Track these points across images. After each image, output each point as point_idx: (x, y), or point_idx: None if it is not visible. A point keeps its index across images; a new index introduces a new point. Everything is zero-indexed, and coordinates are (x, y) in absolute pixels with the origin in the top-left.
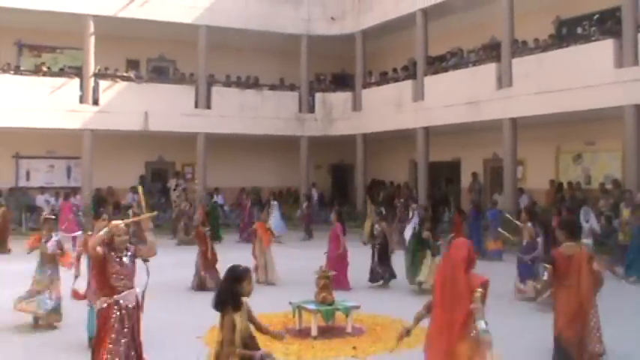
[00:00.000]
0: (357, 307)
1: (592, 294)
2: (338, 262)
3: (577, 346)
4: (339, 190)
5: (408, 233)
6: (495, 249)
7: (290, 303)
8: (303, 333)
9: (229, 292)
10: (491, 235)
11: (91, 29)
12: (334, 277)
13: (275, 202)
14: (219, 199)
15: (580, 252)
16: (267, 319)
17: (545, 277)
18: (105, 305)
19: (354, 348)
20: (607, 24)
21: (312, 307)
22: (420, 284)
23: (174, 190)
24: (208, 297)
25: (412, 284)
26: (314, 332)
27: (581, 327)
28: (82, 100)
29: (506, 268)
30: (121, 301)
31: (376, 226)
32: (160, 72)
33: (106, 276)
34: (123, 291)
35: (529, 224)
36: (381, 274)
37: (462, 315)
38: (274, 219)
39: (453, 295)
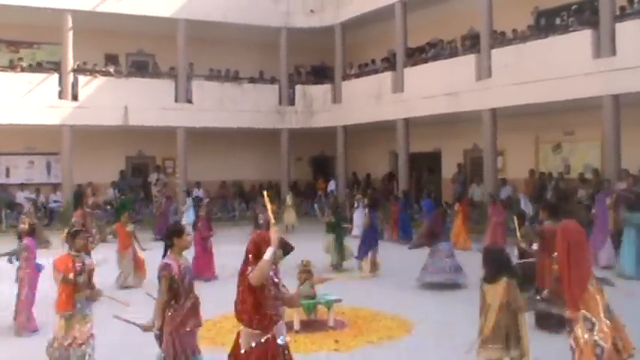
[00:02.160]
0: (339, 301)
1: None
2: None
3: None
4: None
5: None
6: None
7: None
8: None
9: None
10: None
11: (70, 24)
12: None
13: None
14: (199, 193)
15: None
16: None
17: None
18: (262, 341)
19: (337, 341)
20: (585, 14)
21: None
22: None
23: (155, 184)
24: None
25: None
26: (296, 326)
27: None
28: (61, 95)
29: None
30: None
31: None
32: (140, 66)
33: (262, 304)
34: (278, 321)
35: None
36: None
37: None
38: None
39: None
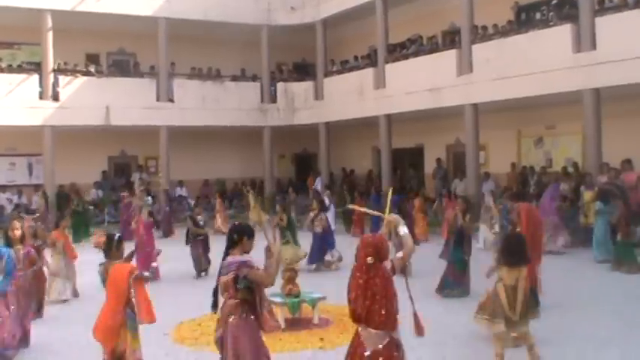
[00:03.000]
0: (323, 299)
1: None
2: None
3: None
4: (303, 179)
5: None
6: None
7: None
8: None
9: None
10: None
11: (49, 24)
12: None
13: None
14: (182, 191)
15: None
16: None
17: None
18: (388, 340)
19: (322, 339)
20: (564, 9)
21: (278, 299)
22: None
23: (138, 184)
24: (173, 292)
25: None
26: (281, 325)
27: None
28: (41, 96)
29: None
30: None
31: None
32: (121, 66)
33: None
34: None
35: None
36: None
37: None
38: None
39: None
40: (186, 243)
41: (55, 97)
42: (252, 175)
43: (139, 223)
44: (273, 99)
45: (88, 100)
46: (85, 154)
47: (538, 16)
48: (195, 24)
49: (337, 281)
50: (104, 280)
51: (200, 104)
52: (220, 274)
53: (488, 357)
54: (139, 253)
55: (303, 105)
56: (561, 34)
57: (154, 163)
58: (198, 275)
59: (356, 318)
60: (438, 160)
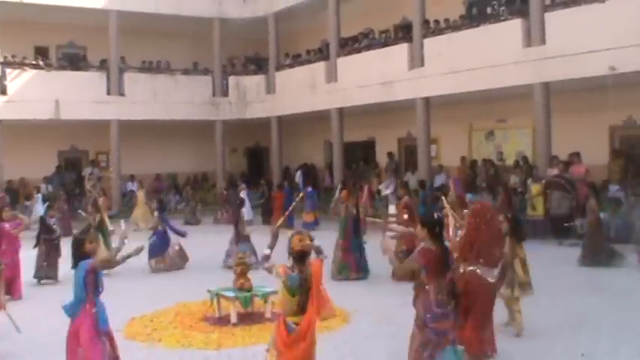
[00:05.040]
0: (275, 293)
1: None
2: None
3: None
4: (255, 173)
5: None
6: (310, 221)
7: (208, 291)
8: (222, 320)
9: None
10: (308, 208)
11: None
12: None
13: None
14: (134, 186)
15: None
16: (186, 307)
17: None
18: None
19: None
20: (515, 4)
21: (230, 294)
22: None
23: (89, 179)
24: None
25: None
26: (233, 319)
27: None
28: None
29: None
30: None
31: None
32: (71, 59)
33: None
34: None
35: None
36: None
37: None
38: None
39: None
40: (34, 246)
41: (3, 91)
42: (204, 169)
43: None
44: (225, 93)
45: (36, 94)
46: (34, 149)
47: (489, 10)
48: (147, 17)
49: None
50: None
51: (151, 98)
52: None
53: None
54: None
55: (255, 98)
56: (512, 28)
57: (105, 158)
58: (38, 282)
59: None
60: (390, 154)
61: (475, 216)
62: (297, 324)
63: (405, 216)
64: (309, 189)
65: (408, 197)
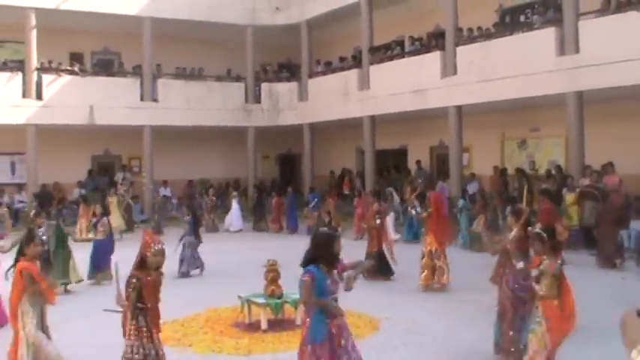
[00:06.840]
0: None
1: None
2: None
3: None
4: (287, 180)
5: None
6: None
7: (239, 297)
8: (253, 327)
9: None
10: (312, 212)
11: (33, 22)
12: None
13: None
14: (166, 191)
15: None
16: (217, 313)
17: None
18: None
19: None
20: (549, 12)
21: (260, 300)
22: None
23: (121, 184)
24: None
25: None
26: (264, 326)
27: None
28: (25, 94)
29: None
30: None
31: None
32: (105, 65)
33: None
34: None
35: None
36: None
37: None
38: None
39: None
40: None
41: (39, 96)
42: (236, 176)
43: None
44: (258, 99)
45: (71, 99)
46: (68, 153)
47: (522, 18)
48: (181, 24)
49: None
50: None
51: (184, 104)
52: None
53: (468, 356)
54: None
55: (287, 105)
56: (545, 37)
57: (138, 163)
58: None
59: None
60: (418, 162)
61: None
62: None
63: (378, 221)
64: (313, 193)
65: (377, 204)
